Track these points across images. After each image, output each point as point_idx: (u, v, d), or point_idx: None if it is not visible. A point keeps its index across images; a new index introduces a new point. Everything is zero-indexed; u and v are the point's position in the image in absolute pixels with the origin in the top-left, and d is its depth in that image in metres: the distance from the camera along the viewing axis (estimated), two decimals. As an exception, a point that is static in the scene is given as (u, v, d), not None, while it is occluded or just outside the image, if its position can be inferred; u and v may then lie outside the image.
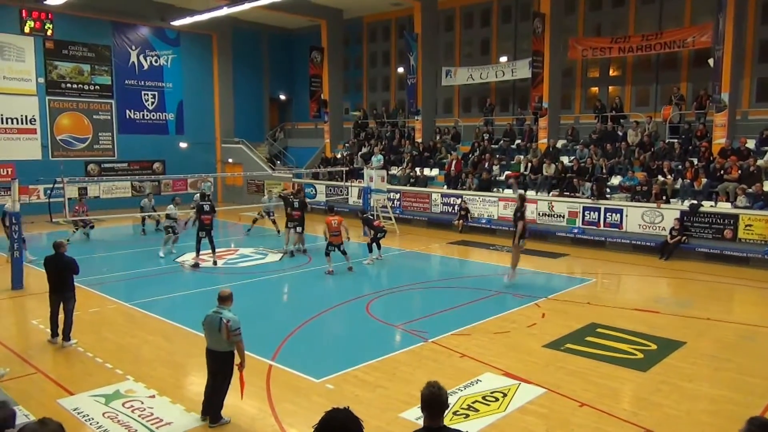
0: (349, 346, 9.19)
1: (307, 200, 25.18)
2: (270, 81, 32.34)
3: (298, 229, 15.91)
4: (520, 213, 12.39)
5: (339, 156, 26.74)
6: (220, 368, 6.34)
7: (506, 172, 20.57)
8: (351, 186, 22.14)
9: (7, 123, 23.79)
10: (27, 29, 23.80)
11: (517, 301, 11.37)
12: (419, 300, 11.92)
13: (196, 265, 14.30)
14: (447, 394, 3.44)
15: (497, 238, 18.74)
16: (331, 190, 24.84)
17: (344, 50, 29.37)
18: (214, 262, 14.62)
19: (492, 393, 7.21)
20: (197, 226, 14.53)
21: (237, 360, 6.37)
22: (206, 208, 14.49)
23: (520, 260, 13.10)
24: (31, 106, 24.29)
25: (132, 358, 8.53)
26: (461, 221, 19.91)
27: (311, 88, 28.27)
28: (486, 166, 20.99)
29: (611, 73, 21.72)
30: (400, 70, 27.50)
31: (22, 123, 24.11)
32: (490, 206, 19.79)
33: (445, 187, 21.60)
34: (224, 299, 6.30)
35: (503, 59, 23.71)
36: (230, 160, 29.85)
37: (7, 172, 23.52)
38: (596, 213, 17.54)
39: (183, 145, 28.36)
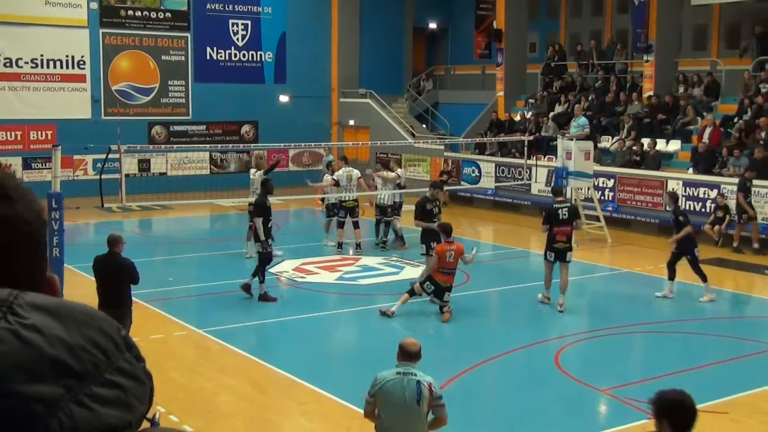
0: (527, 416, 9.16)
1: (465, 184, 25.59)
2: (415, 2, 32.90)
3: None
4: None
5: (518, 118, 26.63)
6: None
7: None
8: (536, 165, 21.92)
9: (47, 67, 26.24)
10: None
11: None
12: (640, 351, 11.77)
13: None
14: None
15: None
16: (502, 172, 24.72)
17: (532, -48, 29.12)
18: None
19: None
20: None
21: None
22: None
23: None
24: (79, 42, 26.66)
25: (204, 411, 9.10)
26: (718, 227, 19.17)
27: (478, 12, 28.39)
28: (763, 137, 20.05)
29: None
30: (622, -19, 26.78)
31: (67, 67, 26.53)
32: (768, 203, 18.86)
33: (692, 170, 20.93)
34: (414, 355, 6.24)
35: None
36: (351, 123, 30.76)
37: (47, 135, 26.04)
38: None
39: (284, 98, 29.68)
